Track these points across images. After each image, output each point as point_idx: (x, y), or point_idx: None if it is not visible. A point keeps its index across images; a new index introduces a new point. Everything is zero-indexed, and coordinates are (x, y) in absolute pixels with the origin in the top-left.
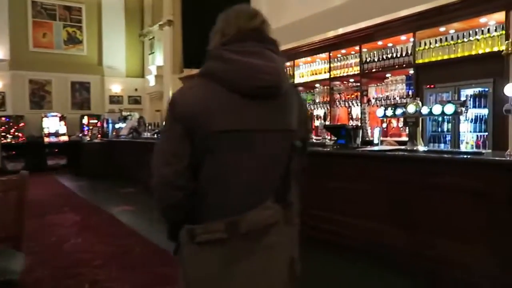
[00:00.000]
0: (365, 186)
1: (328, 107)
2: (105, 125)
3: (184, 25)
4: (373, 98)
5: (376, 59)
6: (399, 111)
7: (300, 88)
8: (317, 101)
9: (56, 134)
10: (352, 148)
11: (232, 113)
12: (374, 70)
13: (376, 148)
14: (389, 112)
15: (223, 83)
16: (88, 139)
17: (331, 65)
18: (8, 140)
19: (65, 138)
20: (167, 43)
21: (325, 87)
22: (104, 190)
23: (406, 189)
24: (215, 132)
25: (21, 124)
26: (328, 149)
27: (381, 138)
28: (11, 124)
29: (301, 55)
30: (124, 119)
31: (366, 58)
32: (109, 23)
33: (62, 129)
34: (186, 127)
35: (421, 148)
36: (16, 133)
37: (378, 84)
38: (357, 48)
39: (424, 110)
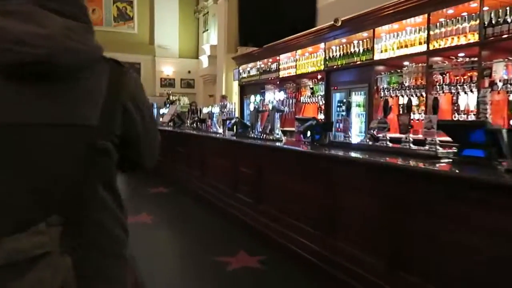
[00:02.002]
0: None
1: (424, 93)
2: None
3: None
4: (500, 81)
5: (508, 20)
6: None
7: (380, 68)
8: (406, 84)
9: None
10: None
11: None
12: (505, 36)
13: None
14: None
15: None
16: None
17: (431, 32)
18: None
19: None
20: (222, 18)
21: (420, 65)
22: (132, 187)
23: None
24: None
25: None
26: (452, 170)
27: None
28: None
29: (383, 21)
30: (171, 103)
31: (489, 19)
32: None
33: None
34: None
35: None
36: None
37: (511, 58)
38: (474, 5)
39: None
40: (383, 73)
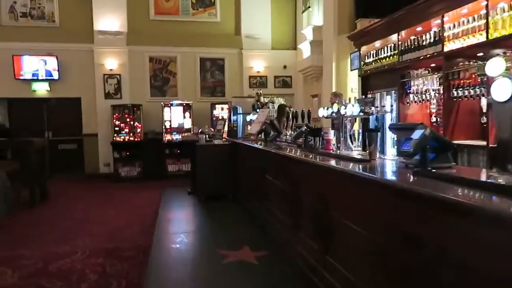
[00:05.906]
0: None
1: None
2: (232, 117)
3: None
4: None
5: None
6: None
7: None
8: None
9: (180, 130)
10: None
11: None
12: None
13: None
14: None
15: None
16: (207, 138)
17: None
18: (122, 137)
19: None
20: None
21: None
22: (196, 242)
23: None
24: None
25: (138, 116)
26: None
27: None
28: (126, 116)
29: None
30: (262, 107)
31: None
32: None
33: (187, 122)
34: None
35: None
36: (132, 128)
37: None
38: None
39: None
40: None
